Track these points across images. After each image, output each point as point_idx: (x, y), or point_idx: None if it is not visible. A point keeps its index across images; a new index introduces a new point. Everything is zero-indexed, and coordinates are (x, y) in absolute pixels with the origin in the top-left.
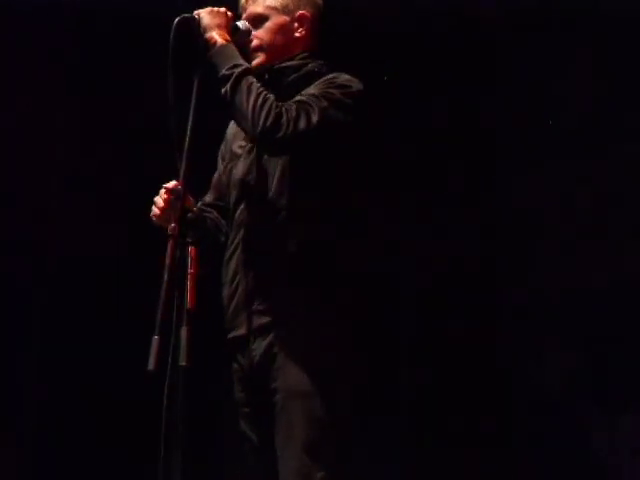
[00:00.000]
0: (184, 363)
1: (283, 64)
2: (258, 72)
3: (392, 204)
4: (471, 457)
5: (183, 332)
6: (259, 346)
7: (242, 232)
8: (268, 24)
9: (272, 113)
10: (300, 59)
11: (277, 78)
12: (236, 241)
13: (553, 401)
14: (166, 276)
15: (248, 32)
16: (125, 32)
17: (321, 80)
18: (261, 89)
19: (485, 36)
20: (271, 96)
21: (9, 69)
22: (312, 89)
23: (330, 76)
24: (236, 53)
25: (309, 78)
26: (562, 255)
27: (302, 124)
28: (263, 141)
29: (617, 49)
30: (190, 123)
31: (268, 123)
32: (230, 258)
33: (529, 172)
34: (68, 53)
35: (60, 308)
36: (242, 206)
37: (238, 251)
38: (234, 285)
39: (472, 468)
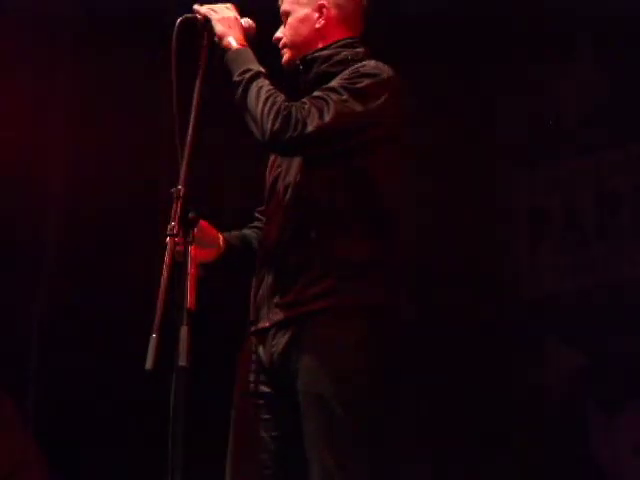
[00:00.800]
0: (183, 363)
1: (315, 54)
2: (290, 67)
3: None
4: (471, 457)
5: (183, 332)
6: (278, 342)
7: (269, 226)
8: (290, 20)
9: (280, 116)
10: (334, 48)
11: (309, 68)
12: (264, 235)
13: (553, 401)
14: (165, 275)
15: (252, 29)
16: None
17: (347, 70)
18: (271, 92)
19: (485, 35)
20: (280, 98)
21: None
22: (335, 81)
23: (356, 65)
24: (250, 57)
25: (340, 67)
26: (563, 254)
27: (312, 124)
28: (271, 146)
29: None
30: (191, 124)
31: (275, 127)
32: (260, 251)
33: (529, 172)
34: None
35: (59, 309)
36: (271, 202)
37: (265, 244)
38: (260, 278)
39: (472, 468)
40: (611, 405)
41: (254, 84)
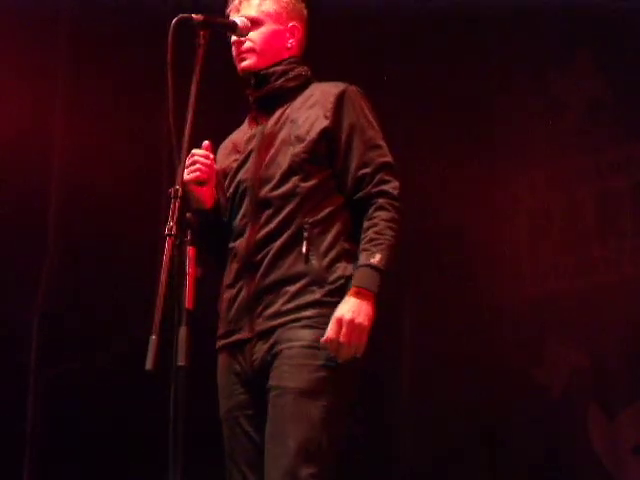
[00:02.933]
0: (182, 363)
1: (270, 69)
2: (245, 76)
3: None
4: (470, 457)
5: (182, 332)
6: (259, 350)
7: (246, 237)
8: (263, 29)
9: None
10: (286, 64)
11: (264, 82)
12: (239, 245)
13: (553, 401)
14: (164, 276)
15: (247, 28)
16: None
17: (355, 108)
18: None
19: (485, 34)
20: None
21: None
22: (351, 120)
23: (362, 109)
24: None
25: (295, 83)
26: (563, 254)
27: (395, 187)
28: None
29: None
30: (188, 123)
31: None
32: (232, 260)
33: (530, 172)
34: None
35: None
36: (243, 211)
37: (242, 255)
38: (236, 289)
39: (472, 468)
40: (611, 405)
41: (388, 254)
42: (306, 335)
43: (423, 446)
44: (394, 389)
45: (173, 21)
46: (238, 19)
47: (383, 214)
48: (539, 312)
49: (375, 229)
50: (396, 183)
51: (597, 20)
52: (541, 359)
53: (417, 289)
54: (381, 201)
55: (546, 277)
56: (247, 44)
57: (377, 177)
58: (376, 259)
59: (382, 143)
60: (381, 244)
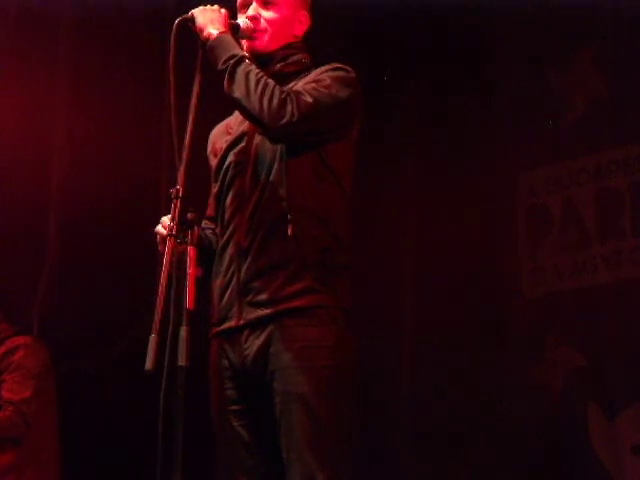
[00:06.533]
0: (183, 363)
1: (273, 53)
2: (250, 54)
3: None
4: (470, 457)
5: (182, 332)
6: (251, 344)
7: (236, 221)
8: (278, 13)
9: (274, 99)
10: (288, 50)
11: (264, 64)
12: (230, 230)
13: (553, 401)
14: (164, 276)
15: (249, 30)
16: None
17: (313, 72)
18: (260, 75)
19: (485, 34)
20: (270, 81)
21: None
22: (307, 79)
23: (323, 67)
24: (232, 43)
25: (294, 68)
26: (563, 254)
27: (307, 108)
28: (273, 129)
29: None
30: (190, 124)
31: (273, 110)
32: (224, 248)
33: (529, 172)
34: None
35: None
36: (233, 194)
37: (233, 241)
38: (228, 276)
39: (471, 468)
40: (611, 405)
41: (240, 69)
42: (303, 334)
43: (423, 446)
44: (393, 389)
45: (175, 23)
46: (240, 20)
47: None
48: (539, 312)
49: None
50: None
51: (597, 20)
52: (541, 359)
53: (416, 290)
54: None
55: (546, 277)
56: (262, 23)
57: None
58: None
59: (330, 91)
60: None
